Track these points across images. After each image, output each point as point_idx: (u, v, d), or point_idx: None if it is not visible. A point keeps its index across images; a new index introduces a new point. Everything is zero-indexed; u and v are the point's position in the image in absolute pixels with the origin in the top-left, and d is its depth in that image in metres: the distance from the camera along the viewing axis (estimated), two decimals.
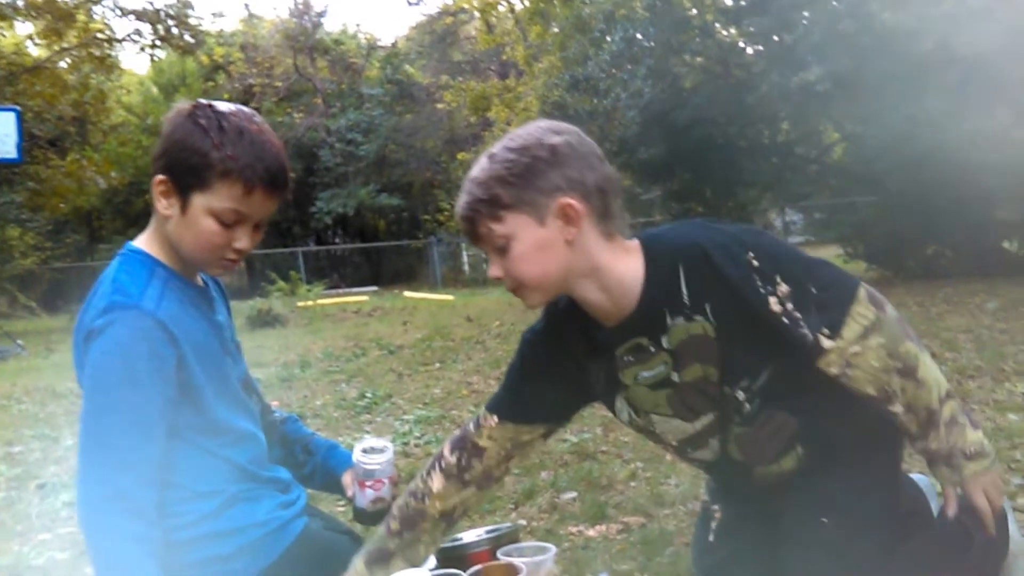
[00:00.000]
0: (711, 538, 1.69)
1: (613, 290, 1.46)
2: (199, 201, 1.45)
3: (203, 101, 1.50)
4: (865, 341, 1.38)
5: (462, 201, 1.46)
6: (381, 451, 1.76)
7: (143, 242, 1.54)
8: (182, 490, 1.45)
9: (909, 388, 1.40)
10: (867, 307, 1.39)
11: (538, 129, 1.44)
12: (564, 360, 1.61)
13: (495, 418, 1.66)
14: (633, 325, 1.48)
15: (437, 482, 1.66)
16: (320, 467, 1.85)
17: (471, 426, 1.69)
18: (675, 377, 1.48)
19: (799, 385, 1.45)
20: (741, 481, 1.57)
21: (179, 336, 1.44)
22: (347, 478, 1.79)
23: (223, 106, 1.50)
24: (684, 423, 1.52)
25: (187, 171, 1.44)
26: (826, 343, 1.38)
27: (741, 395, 1.46)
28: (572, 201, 1.40)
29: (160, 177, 1.46)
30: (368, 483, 1.73)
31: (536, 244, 1.42)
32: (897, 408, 1.41)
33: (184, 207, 1.46)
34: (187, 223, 1.46)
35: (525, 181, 1.40)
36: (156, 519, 1.39)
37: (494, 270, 1.48)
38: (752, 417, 1.47)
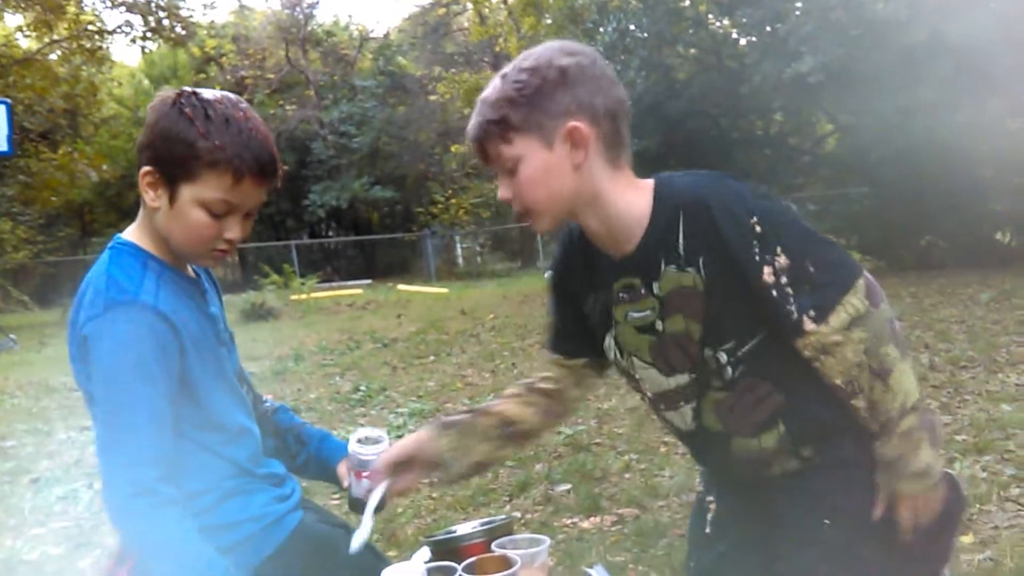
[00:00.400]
0: (708, 530, 1.68)
1: (612, 222, 1.45)
2: (187, 192, 1.42)
3: (187, 89, 1.47)
4: (848, 332, 1.35)
5: (473, 122, 1.45)
6: (377, 441, 1.75)
7: (133, 234, 1.51)
8: (179, 487, 1.44)
9: (876, 389, 1.37)
10: (860, 299, 1.35)
11: (550, 50, 1.43)
12: (576, 289, 1.61)
13: (545, 352, 1.73)
14: (631, 263, 1.47)
15: (509, 391, 1.74)
16: (313, 457, 1.84)
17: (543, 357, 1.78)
18: (659, 325, 1.46)
19: (789, 360, 1.41)
20: (720, 457, 1.54)
21: (180, 327, 1.43)
22: (343, 468, 1.77)
23: (208, 93, 1.46)
24: (660, 376, 1.50)
25: (174, 162, 1.41)
26: (808, 326, 1.35)
27: (723, 358, 1.43)
28: (580, 125, 1.38)
29: (147, 168, 1.43)
30: (364, 473, 1.72)
31: (543, 167, 1.41)
32: (860, 403, 1.39)
33: (172, 199, 1.43)
34: (176, 215, 1.44)
35: (534, 103, 1.39)
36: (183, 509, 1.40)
37: (503, 192, 1.47)
38: (733, 383, 1.44)
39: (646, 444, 4.21)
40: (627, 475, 3.76)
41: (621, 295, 1.50)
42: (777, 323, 1.39)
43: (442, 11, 31.62)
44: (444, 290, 18.36)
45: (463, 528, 1.80)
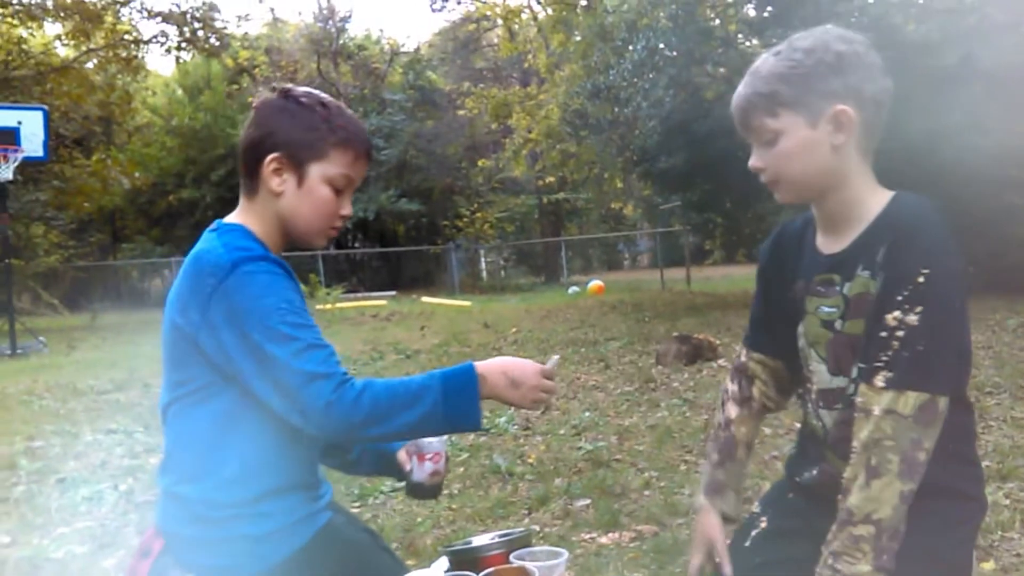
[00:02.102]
0: (747, 543, 1.68)
1: (844, 209, 1.50)
2: (316, 171, 1.56)
3: (286, 86, 1.63)
4: (884, 415, 1.35)
5: (741, 92, 1.51)
6: None
7: (236, 220, 1.61)
8: (235, 466, 1.48)
9: (860, 479, 1.36)
10: (916, 407, 1.33)
11: (827, 34, 1.48)
12: (786, 275, 1.64)
13: (745, 349, 1.78)
14: (835, 260, 1.52)
15: (732, 410, 1.77)
16: (369, 450, 1.88)
17: (740, 357, 1.80)
18: (839, 325, 1.50)
19: None
20: (818, 467, 1.57)
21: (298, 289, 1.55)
22: (403, 454, 1.82)
23: (303, 88, 1.63)
24: (827, 373, 1.53)
25: (304, 145, 1.55)
26: (877, 381, 1.37)
27: (854, 372, 1.46)
28: (848, 108, 1.43)
29: (274, 155, 1.55)
30: (428, 456, 1.75)
31: (803, 144, 1.47)
32: (847, 473, 1.39)
33: (301, 180, 1.56)
34: (304, 194, 1.57)
35: (806, 82, 1.44)
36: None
37: (755, 161, 1.54)
38: (850, 403, 1.46)
39: (667, 462, 4.21)
40: (647, 492, 3.76)
41: (818, 287, 1.55)
42: (863, 357, 1.42)
43: (472, 27, 31.85)
44: (467, 303, 18.41)
45: (481, 539, 1.81)
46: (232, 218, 1.60)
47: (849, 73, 1.44)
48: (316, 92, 1.61)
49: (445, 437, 1.75)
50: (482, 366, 1.51)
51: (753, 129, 1.51)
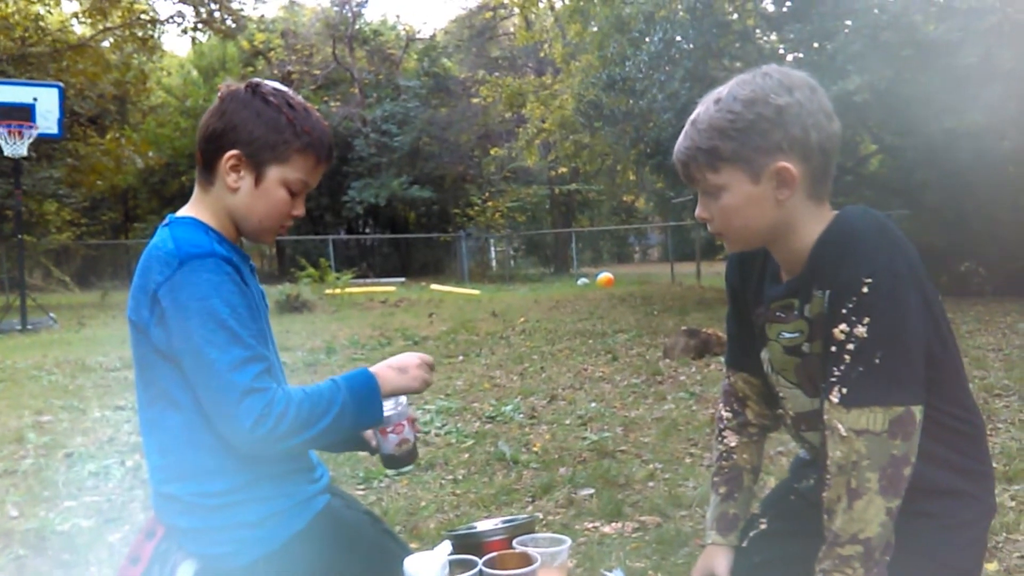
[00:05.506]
0: (744, 544, 1.70)
1: (796, 253, 1.47)
2: (274, 173, 1.54)
3: (255, 80, 1.59)
4: (854, 435, 1.32)
5: (682, 144, 1.48)
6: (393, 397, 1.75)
7: (188, 212, 1.60)
8: (216, 459, 1.48)
9: (842, 502, 1.34)
10: (886, 421, 1.31)
11: (769, 82, 1.41)
12: (750, 297, 1.63)
13: (729, 370, 1.76)
14: (794, 285, 1.50)
15: (731, 438, 1.75)
16: None
17: (727, 378, 1.78)
18: (806, 348, 1.48)
19: None
20: (821, 472, 1.53)
21: (248, 284, 1.53)
22: (368, 432, 1.81)
23: (274, 84, 1.59)
24: (805, 396, 1.52)
25: (266, 146, 1.53)
26: (833, 397, 1.35)
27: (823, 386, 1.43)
28: (789, 165, 1.40)
29: (233, 152, 1.53)
30: (389, 429, 1.72)
31: (746, 199, 1.44)
32: (827, 494, 1.37)
33: (258, 180, 1.55)
34: (260, 194, 1.55)
35: (746, 138, 1.40)
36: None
37: (701, 211, 1.52)
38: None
39: (672, 454, 4.21)
40: (651, 483, 3.76)
41: (778, 314, 1.53)
42: (822, 374, 1.40)
43: (489, 15, 31.78)
44: (476, 292, 18.42)
45: (485, 524, 1.82)
46: (185, 210, 1.59)
47: (791, 125, 1.39)
48: (285, 90, 1.57)
49: (404, 405, 1.72)
50: (373, 367, 1.59)
51: (695, 181, 1.48)
